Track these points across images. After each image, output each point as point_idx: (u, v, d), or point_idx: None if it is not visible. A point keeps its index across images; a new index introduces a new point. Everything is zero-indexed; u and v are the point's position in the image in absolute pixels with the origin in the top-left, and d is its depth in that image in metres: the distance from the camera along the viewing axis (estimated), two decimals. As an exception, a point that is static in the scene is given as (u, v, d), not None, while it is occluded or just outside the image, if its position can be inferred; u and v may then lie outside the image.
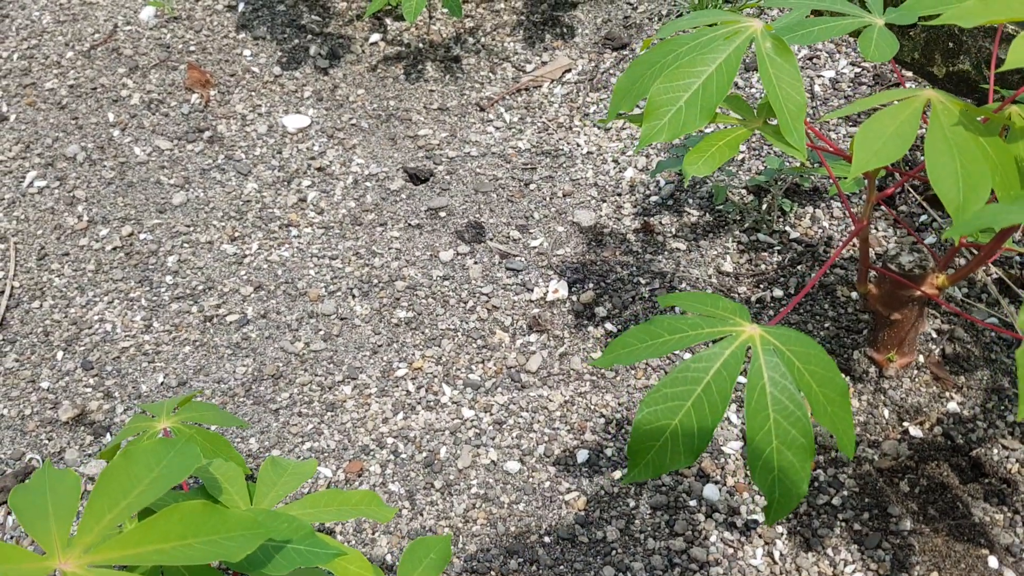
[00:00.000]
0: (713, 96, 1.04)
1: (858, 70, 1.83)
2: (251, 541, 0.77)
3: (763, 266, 1.53)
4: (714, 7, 1.97)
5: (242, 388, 1.41)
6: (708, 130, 1.74)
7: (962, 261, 1.46)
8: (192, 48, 2.04)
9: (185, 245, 1.64)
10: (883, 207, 1.49)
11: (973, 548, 1.15)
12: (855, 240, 1.56)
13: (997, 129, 1.03)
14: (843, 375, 1.35)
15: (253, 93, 1.92)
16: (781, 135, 1.06)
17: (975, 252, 1.20)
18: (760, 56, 1.05)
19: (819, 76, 1.84)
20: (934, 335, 1.39)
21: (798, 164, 1.62)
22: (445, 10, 2.08)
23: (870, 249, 1.52)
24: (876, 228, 1.56)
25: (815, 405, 0.87)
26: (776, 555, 1.16)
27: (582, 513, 1.23)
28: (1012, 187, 1.00)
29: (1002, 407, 1.30)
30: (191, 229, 1.66)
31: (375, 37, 2.05)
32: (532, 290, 1.53)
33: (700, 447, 0.88)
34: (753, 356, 0.89)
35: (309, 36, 2.05)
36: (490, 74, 1.96)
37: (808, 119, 1.73)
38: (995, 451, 1.25)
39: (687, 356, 1.34)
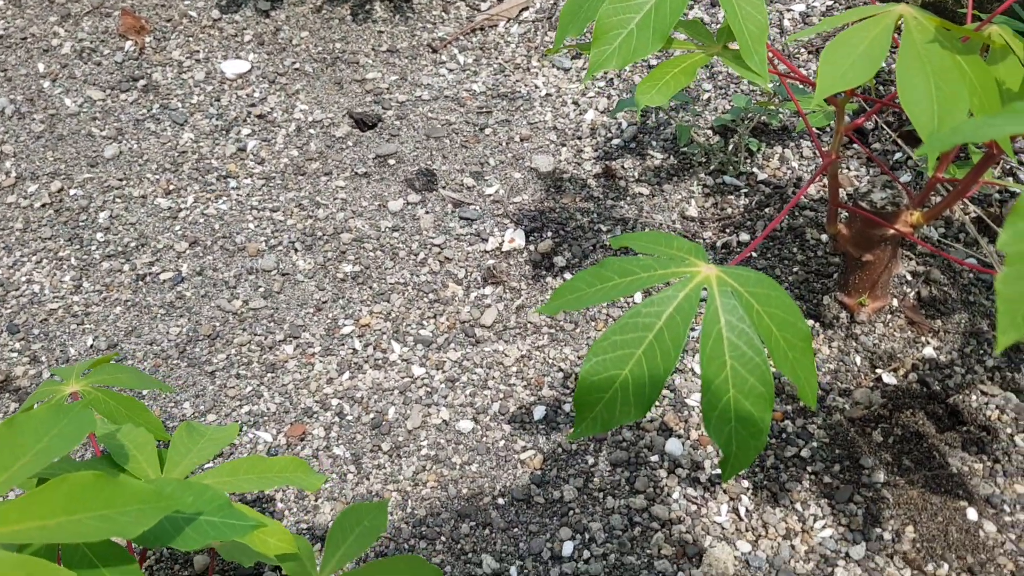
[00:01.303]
0: (667, 18, 0.95)
1: (830, 2, 1.74)
2: (150, 515, 0.69)
3: (729, 210, 1.44)
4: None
5: (176, 349, 1.32)
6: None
7: (939, 200, 1.39)
8: (128, -7, 1.92)
9: (117, 200, 1.53)
10: (856, 145, 1.41)
11: (951, 500, 1.09)
12: (824, 178, 1.48)
13: (976, 49, 0.95)
14: (810, 321, 1.27)
15: (190, 39, 1.81)
16: (741, 60, 0.98)
17: (952, 190, 1.12)
18: (717, -28, 0.96)
19: (789, 10, 1.74)
20: (909, 277, 1.32)
21: (766, 99, 1.53)
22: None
23: (841, 188, 1.44)
24: (848, 167, 1.48)
25: (775, 351, 0.79)
26: (742, 511, 1.09)
27: (538, 472, 1.16)
28: (992, 110, 0.92)
29: (981, 351, 1.23)
30: (123, 183, 1.56)
31: (321, -23, 1.93)
32: (487, 240, 1.44)
33: (651, 398, 0.80)
34: (709, 298, 0.81)
35: (251, -22, 1.93)
36: (443, 14, 1.85)
37: (777, 48, 1.64)
38: (974, 397, 1.18)
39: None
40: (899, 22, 0.91)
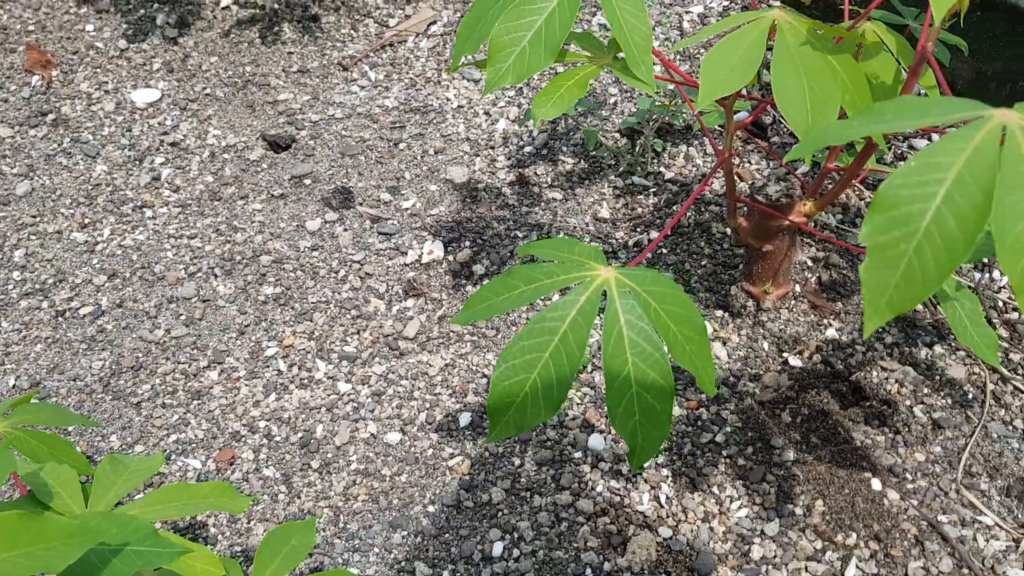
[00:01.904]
0: (557, 34, 0.99)
1: (727, 3, 1.81)
2: (74, 549, 0.70)
3: (639, 209, 1.50)
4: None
5: (100, 383, 1.32)
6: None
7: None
8: (31, 28, 1.90)
9: (32, 237, 1.52)
10: (756, 141, 1.47)
11: (856, 472, 1.15)
12: (724, 174, 1.54)
13: (850, 48, 1.01)
14: (719, 311, 1.33)
15: (98, 70, 1.80)
16: (630, 69, 1.02)
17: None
18: (600, -13, 1.00)
19: (687, 12, 1.81)
20: (810, 263, 1.38)
21: (668, 101, 1.59)
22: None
23: (742, 182, 1.50)
24: (749, 161, 1.54)
25: (673, 345, 0.84)
26: (662, 498, 1.14)
27: (467, 477, 1.19)
28: (863, 106, 0.98)
29: (880, 330, 1.30)
30: (37, 220, 1.55)
31: (226, 0, 1.94)
32: (406, 253, 1.47)
33: (560, 398, 0.84)
34: (609, 300, 0.86)
35: (155, 5, 1.92)
36: (352, 32, 1.87)
37: (678, 51, 1.70)
38: (875, 373, 1.25)
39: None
40: (773, 27, 0.97)
